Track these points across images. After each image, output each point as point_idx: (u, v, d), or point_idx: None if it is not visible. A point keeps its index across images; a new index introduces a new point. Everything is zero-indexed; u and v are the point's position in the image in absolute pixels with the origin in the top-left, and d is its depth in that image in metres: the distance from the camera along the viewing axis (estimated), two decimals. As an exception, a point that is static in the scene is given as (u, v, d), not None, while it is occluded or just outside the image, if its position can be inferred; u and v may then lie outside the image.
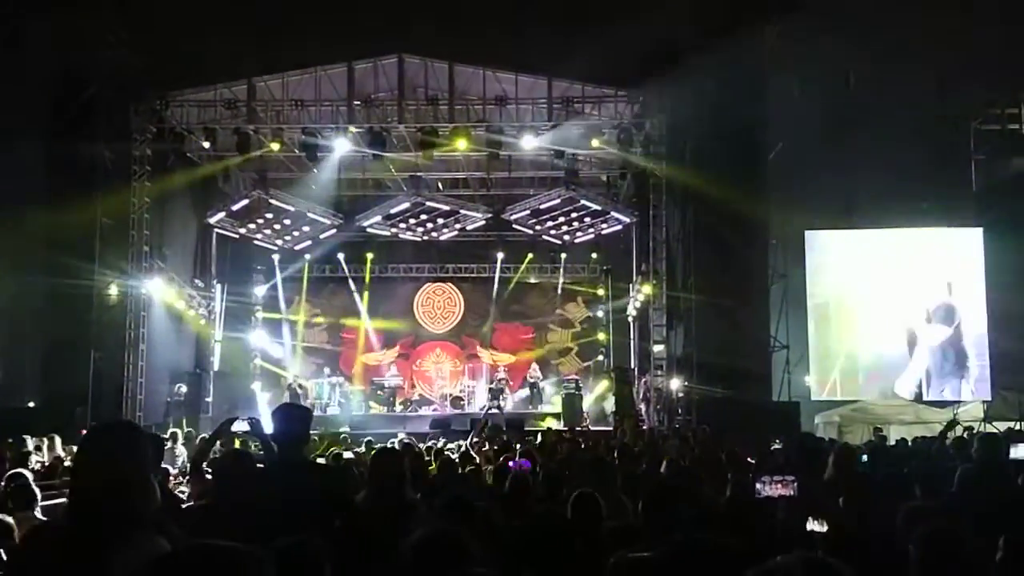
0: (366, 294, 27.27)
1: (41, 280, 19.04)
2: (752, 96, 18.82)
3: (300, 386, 24.38)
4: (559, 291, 27.47)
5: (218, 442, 6.43)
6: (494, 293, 27.26)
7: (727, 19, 18.70)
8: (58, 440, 12.29)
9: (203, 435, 11.94)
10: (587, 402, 23.20)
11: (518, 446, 11.27)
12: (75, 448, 11.89)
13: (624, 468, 8.53)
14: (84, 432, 13.05)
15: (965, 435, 14.68)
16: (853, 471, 6.18)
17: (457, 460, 9.23)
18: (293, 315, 27.63)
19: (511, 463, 8.39)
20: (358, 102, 20.22)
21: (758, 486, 4.67)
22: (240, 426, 6.20)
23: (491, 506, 6.25)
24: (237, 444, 8.86)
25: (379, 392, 24.63)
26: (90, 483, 2.86)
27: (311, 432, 5.14)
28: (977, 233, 18.80)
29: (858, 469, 7.03)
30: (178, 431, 15.61)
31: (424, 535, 3.05)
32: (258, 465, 5.42)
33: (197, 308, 22.94)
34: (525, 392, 25.35)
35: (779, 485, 4.62)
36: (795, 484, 4.66)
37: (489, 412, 21.86)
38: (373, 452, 6.14)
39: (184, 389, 21.26)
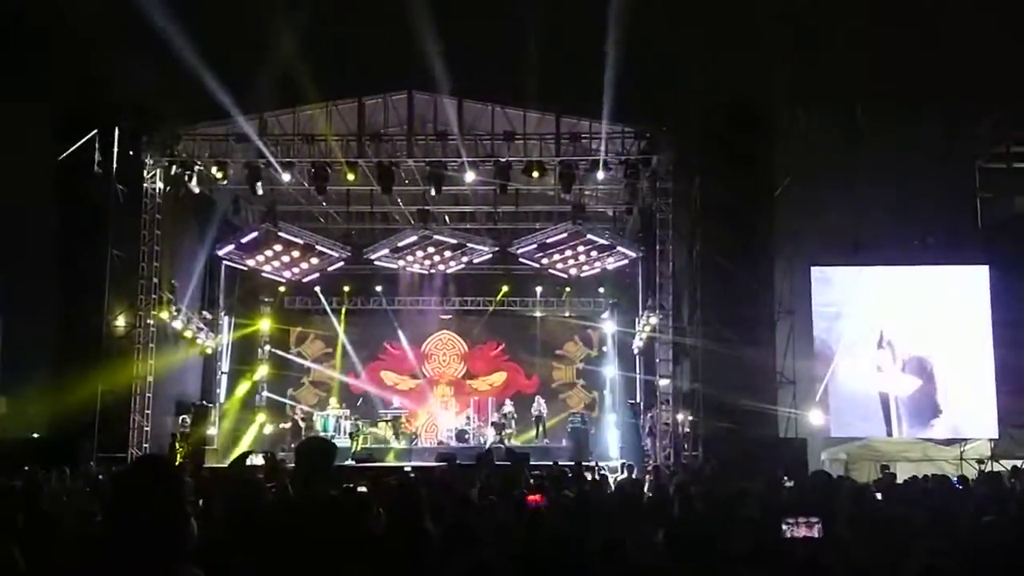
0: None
1: (50, 310, 19.16)
2: (759, 132, 19.00)
3: (305, 419, 24.36)
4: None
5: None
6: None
7: (736, 55, 18.96)
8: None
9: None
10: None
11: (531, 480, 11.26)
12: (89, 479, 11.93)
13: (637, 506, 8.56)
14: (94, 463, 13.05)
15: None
16: (870, 511, 6.16)
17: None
18: (299, 346, 27.68)
19: (529, 498, 8.38)
20: (368, 136, 20.38)
21: (783, 527, 4.61)
22: (256, 460, 6.20)
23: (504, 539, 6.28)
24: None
25: (387, 421, 24.58)
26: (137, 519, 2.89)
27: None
28: (983, 271, 18.82)
29: (872, 508, 7.00)
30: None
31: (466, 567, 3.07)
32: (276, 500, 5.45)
33: (204, 340, 23.00)
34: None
35: (804, 527, 4.55)
36: (819, 526, 4.59)
37: (494, 446, 21.80)
38: (394, 485, 6.16)
39: (190, 420, 21.23)
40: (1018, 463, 16.33)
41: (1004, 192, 20.12)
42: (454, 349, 27.96)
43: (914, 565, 3.50)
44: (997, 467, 16.55)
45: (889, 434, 18.96)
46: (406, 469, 14.40)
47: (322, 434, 22.88)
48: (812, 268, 19.16)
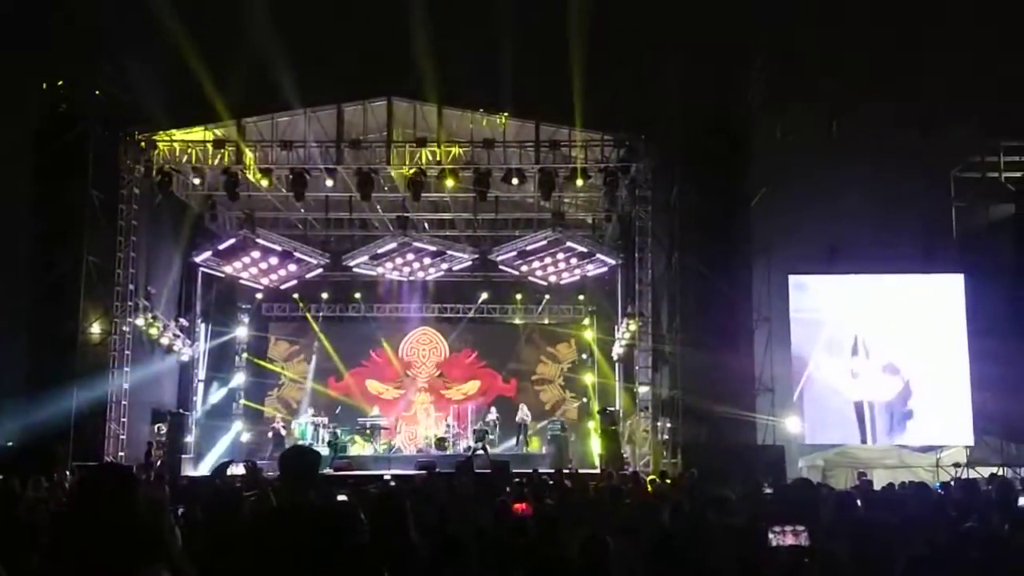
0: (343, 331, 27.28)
1: (24, 317, 18.95)
2: (737, 142, 19.13)
3: (284, 427, 24.24)
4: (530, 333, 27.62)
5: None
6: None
7: (713, 65, 19.08)
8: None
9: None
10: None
11: (508, 488, 11.24)
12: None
13: (619, 513, 8.55)
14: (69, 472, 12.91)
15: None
16: (853, 518, 6.18)
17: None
18: (276, 353, 27.53)
19: (515, 506, 8.37)
20: (347, 143, 20.32)
21: (770, 536, 4.60)
22: (236, 469, 6.16)
23: (487, 548, 6.26)
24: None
25: (365, 431, 24.47)
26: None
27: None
28: (958, 279, 19.00)
29: (855, 515, 7.03)
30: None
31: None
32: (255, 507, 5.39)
33: (181, 347, 22.80)
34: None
35: (790, 535, 4.55)
36: (805, 534, 4.58)
37: (475, 454, 21.76)
38: (376, 494, 6.13)
39: (165, 429, 21.02)
40: (994, 470, 16.48)
41: (979, 201, 20.33)
42: (432, 344, 27.83)
43: (898, 570, 3.50)
44: (973, 474, 16.69)
45: (864, 441, 19.06)
46: (386, 477, 14.31)
47: (300, 442, 22.79)
48: (789, 276, 19.26)
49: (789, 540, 4.54)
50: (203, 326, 24.69)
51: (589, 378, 26.84)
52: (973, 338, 18.54)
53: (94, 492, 2.99)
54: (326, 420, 24.50)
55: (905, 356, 18.94)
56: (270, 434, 23.90)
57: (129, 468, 3.66)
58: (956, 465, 18.12)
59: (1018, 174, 19.94)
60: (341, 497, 9.22)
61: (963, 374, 18.60)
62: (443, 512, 8.23)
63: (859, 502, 9.47)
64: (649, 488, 13.21)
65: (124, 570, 2.81)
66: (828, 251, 19.72)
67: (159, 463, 19.40)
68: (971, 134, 19.99)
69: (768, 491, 11.02)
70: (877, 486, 13.85)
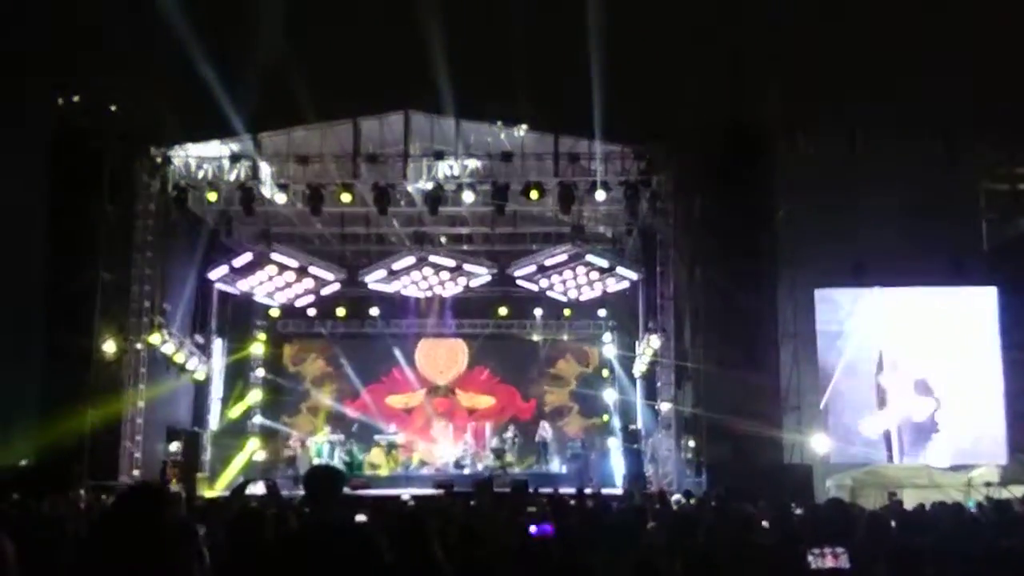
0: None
1: (39, 335, 18.83)
2: (760, 155, 18.82)
3: (303, 446, 24.00)
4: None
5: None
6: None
7: (735, 77, 18.81)
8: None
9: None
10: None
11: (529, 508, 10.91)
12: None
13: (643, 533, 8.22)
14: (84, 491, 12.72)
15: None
16: (888, 539, 5.85)
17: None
18: (297, 367, 27.36)
19: (535, 528, 8.04)
20: (363, 157, 20.13)
21: (809, 558, 4.38)
22: (256, 488, 5.94)
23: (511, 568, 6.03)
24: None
25: (380, 449, 24.21)
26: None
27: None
28: (991, 292, 18.60)
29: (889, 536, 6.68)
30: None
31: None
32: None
33: (196, 365, 22.62)
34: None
35: (830, 557, 4.34)
36: (846, 556, 4.36)
37: (493, 473, 21.43)
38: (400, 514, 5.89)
39: (180, 447, 20.79)
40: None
41: (1009, 213, 19.94)
42: (448, 346, 27.55)
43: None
44: (1006, 493, 16.20)
45: (891, 460, 18.62)
46: (404, 497, 14.01)
47: (316, 461, 22.54)
48: (815, 290, 18.92)
49: (829, 562, 4.39)
50: (218, 343, 24.54)
51: (610, 395, 26.46)
52: (1007, 352, 18.11)
53: (130, 513, 2.84)
54: (343, 438, 24.25)
55: (935, 372, 18.52)
56: (291, 454, 23.78)
57: (163, 488, 3.59)
58: (988, 484, 17.61)
59: (1049, 185, 19.57)
60: (360, 517, 8.94)
61: (996, 390, 18.14)
62: (465, 532, 7.91)
63: (892, 523, 9.10)
64: (674, 507, 12.85)
65: None
66: (855, 265, 19.33)
67: (174, 481, 19.17)
68: (998, 144, 19.62)
69: (798, 511, 10.64)
70: (908, 506, 13.44)
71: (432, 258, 22.52)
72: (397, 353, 27.02)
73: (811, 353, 18.78)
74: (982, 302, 18.61)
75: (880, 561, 5.26)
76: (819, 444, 18.69)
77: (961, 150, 19.43)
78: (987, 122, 19.26)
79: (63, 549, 7.15)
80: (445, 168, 20.06)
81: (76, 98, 19.10)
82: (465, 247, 24.60)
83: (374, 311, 26.53)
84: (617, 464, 23.36)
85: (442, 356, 27.55)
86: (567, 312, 26.40)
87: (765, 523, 9.19)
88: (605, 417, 26.49)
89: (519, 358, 27.39)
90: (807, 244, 19.06)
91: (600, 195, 20.05)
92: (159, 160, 20.11)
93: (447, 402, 27.29)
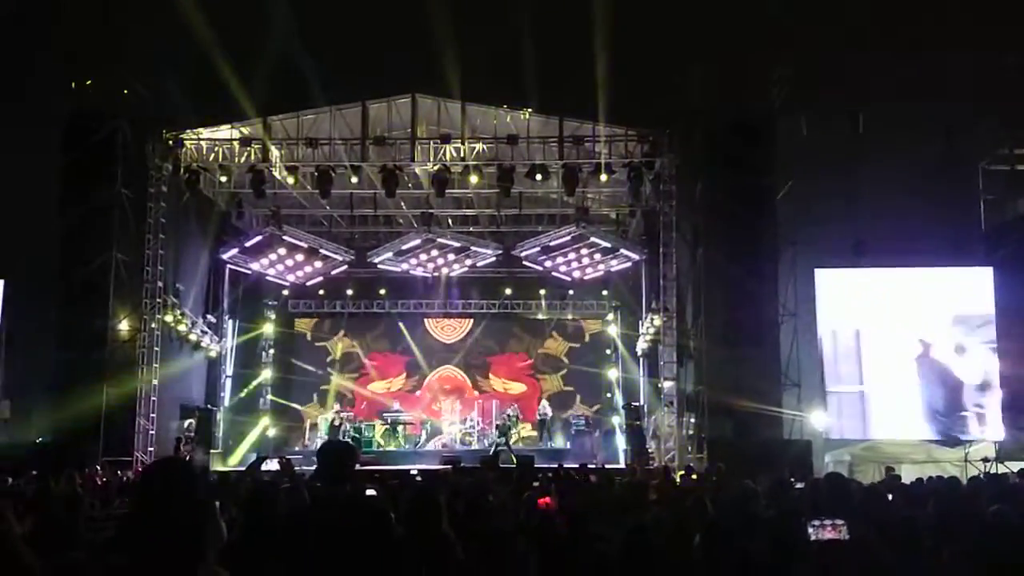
0: (376, 327, 27.50)
1: (55, 315, 19.19)
2: (761, 137, 19.04)
3: (313, 423, 24.39)
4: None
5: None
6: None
7: (737, 59, 19.01)
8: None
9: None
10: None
11: (534, 483, 11.26)
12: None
13: (645, 508, 8.56)
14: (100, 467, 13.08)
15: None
16: (884, 511, 6.15)
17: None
18: (320, 345, 27.75)
19: (539, 501, 8.41)
20: (371, 140, 20.41)
21: (809, 530, 4.59)
22: (271, 465, 6.21)
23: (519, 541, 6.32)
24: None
25: (387, 426, 24.60)
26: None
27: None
28: (987, 272, 18.81)
29: (887, 509, 7.00)
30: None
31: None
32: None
33: (209, 343, 23.02)
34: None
35: (829, 529, 4.54)
36: (845, 528, 4.57)
37: (498, 448, 21.83)
38: (409, 489, 6.18)
39: (194, 424, 21.24)
40: (1024, 464, 16.33)
41: (1007, 194, 20.13)
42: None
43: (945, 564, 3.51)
44: (1003, 469, 16.55)
45: (890, 436, 18.93)
46: (412, 472, 14.40)
47: (324, 437, 22.98)
48: (816, 270, 19.14)
49: (829, 534, 4.54)
50: (230, 322, 24.93)
51: (613, 373, 26.84)
52: (1002, 332, 18.35)
53: (160, 487, 3.03)
54: (351, 414, 24.68)
55: (934, 350, 18.77)
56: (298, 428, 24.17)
57: (189, 462, 3.69)
58: (985, 460, 17.97)
59: (1047, 167, 19.75)
60: (370, 491, 9.33)
61: (992, 368, 18.42)
62: (472, 506, 8.27)
63: (889, 496, 9.45)
64: (677, 482, 13.23)
65: (189, 567, 2.87)
66: (854, 245, 19.57)
67: (187, 458, 19.60)
68: (998, 126, 19.79)
69: (799, 486, 10.98)
70: (905, 481, 13.79)
71: (439, 239, 22.86)
72: (404, 331, 27.39)
73: (811, 331, 19.02)
74: (979, 282, 18.83)
75: (877, 533, 5.57)
76: (818, 420, 19.03)
77: (960, 131, 19.64)
78: (986, 104, 19.43)
79: (79, 525, 7.43)
80: (452, 151, 20.32)
81: (89, 82, 19.37)
82: (471, 228, 24.90)
83: (382, 291, 26.89)
84: (620, 441, 23.78)
85: (450, 391, 27.89)
86: (571, 292, 26.73)
87: (764, 498, 9.55)
88: (608, 395, 26.89)
89: (524, 342, 27.93)
90: (808, 224, 19.29)
91: (604, 177, 20.31)
92: (171, 143, 20.36)
93: (453, 378, 27.68)
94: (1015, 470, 14.94)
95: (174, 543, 2.86)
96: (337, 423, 23.91)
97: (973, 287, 18.84)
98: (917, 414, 18.67)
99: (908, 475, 15.03)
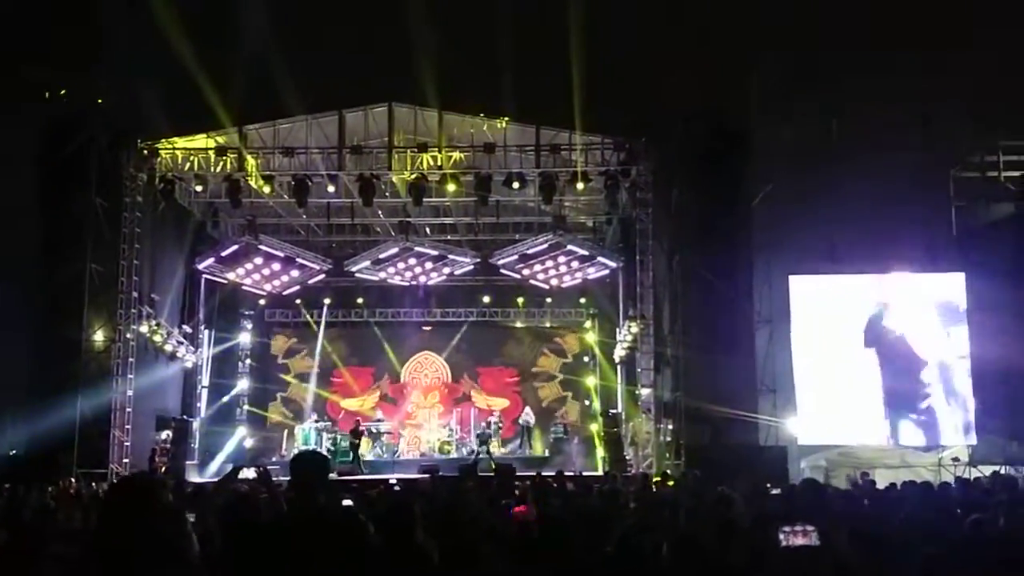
0: (347, 338, 27.44)
1: (28, 325, 19.02)
2: (737, 145, 19.18)
3: (290, 433, 24.26)
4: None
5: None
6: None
7: (713, 66, 19.16)
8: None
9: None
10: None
11: (513, 491, 11.29)
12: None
13: (622, 515, 8.59)
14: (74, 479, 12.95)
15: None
16: (858, 517, 6.21)
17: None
18: (277, 348, 27.62)
19: (515, 509, 8.41)
20: (348, 149, 20.39)
21: (780, 536, 4.61)
22: (247, 474, 6.19)
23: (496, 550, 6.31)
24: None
25: (367, 437, 24.49)
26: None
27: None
28: (959, 277, 19.03)
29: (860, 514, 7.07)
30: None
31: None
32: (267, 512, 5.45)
33: (184, 354, 22.87)
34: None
35: (800, 535, 4.55)
36: (816, 534, 4.59)
37: (478, 457, 21.81)
38: (385, 499, 6.18)
39: (170, 435, 21.08)
40: (997, 468, 16.51)
41: (979, 200, 20.36)
42: (433, 367, 27.89)
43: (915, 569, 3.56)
44: (975, 473, 16.72)
45: (867, 441, 19.10)
46: (391, 482, 14.37)
47: (303, 447, 22.83)
48: (790, 276, 19.28)
49: (800, 540, 4.55)
50: (206, 332, 24.78)
51: (591, 380, 26.91)
52: (974, 337, 18.56)
53: (125, 503, 3.02)
54: (330, 424, 24.58)
55: (907, 355, 18.95)
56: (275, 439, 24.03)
57: (157, 478, 3.71)
58: (955, 460, 18.17)
59: (1017, 173, 19.93)
60: (346, 502, 9.31)
61: (964, 373, 18.62)
62: (450, 515, 8.27)
63: (865, 501, 9.54)
64: (654, 489, 13.26)
65: None
66: (828, 251, 19.74)
67: (163, 469, 19.47)
68: (970, 133, 20.03)
69: (774, 492, 11.06)
70: (880, 486, 13.90)
71: (416, 248, 22.86)
72: (383, 341, 27.32)
73: (786, 337, 19.16)
74: (951, 287, 19.03)
75: (850, 538, 5.62)
76: (794, 426, 19.15)
77: (934, 137, 19.85)
78: (958, 112, 19.66)
79: (53, 538, 7.38)
80: (429, 159, 20.34)
81: (64, 92, 19.25)
82: (449, 237, 24.90)
83: (360, 300, 26.83)
84: (598, 448, 23.84)
85: (427, 376, 27.91)
86: (549, 300, 26.79)
87: (740, 504, 9.61)
88: (587, 402, 26.96)
89: (501, 350, 27.89)
90: (782, 232, 19.42)
91: (581, 185, 20.42)
92: (146, 153, 20.28)
93: (436, 385, 27.64)
94: (987, 474, 15.11)
95: (145, 557, 2.86)
96: (315, 433, 23.79)
97: (946, 293, 19.06)
98: (882, 415, 18.82)
99: (882, 480, 15.14)
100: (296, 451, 21.43)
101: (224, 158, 20.34)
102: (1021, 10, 19.93)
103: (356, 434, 22.60)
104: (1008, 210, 20.23)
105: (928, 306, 19.10)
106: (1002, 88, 19.45)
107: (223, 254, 22.55)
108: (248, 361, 26.90)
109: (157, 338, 21.22)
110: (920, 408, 18.80)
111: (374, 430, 24.57)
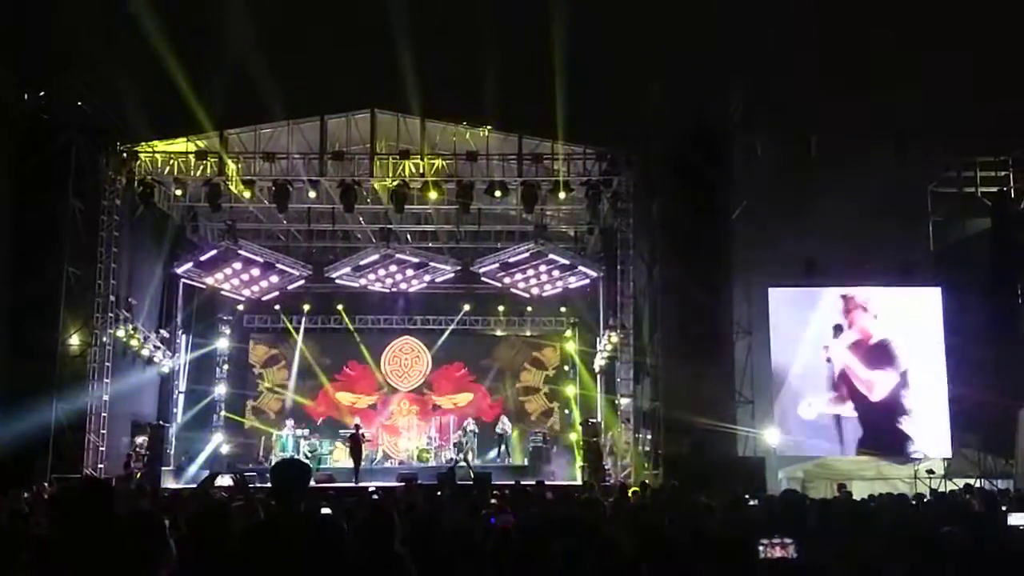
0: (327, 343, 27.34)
1: (4, 329, 18.79)
2: (717, 158, 19.28)
3: (267, 440, 24.11)
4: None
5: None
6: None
7: (694, 80, 19.29)
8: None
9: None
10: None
11: (493, 501, 11.26)
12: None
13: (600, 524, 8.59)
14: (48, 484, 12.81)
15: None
16: (835, 529, 6.24)
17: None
18: (255, 358, 27.48)
19: (492, 519, 8.40)
20: (330, 154, 20.35)
21: (759, 548, 4.62)
22: (224, 481, 6.15)
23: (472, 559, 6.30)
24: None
25: (346, 443, 24.37)
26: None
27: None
28: (935, 292, 19.22)
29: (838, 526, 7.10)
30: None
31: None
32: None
33: (161, 359, 22.70)
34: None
35: (778, 548, 4.57)
36: (793, 546, 4.60)
37: (456, 465, 21.78)
38: (364, 506, 6.15)
39: (146, 441, 20.86)
40: (971, 481, 16.66)
41: (956, 215, 20.59)
42: (414, 353, 27.84)
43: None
44: (950, 485, 16.87)
45: (842, 453, 19.23)
46: (370, 489, 14.32)
47: (281, 454, 22.71)
48: (769, 289, 19.41)
49: (778, 553, 4.56)
50: (184, 337, 24.60)
51: (571, 390, 26.93)
52: (950, 351, 18.74)
53: (71, 510, 2.99)
54: (307, 432, 24.44)
55: (883, 368, 19.11)
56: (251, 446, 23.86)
57: (105, 482, 3.66)
58: (929, 472, 18.32)
59: (994, 189, 20.21)
60: (324, 510, 9.26)
61: (940, 387, 18.79)
62: (427, 523, 8.24)
63: (841, 513, 9.57)
64: (631, 499, 13.27)
65: None
66: (806, 264, 19.87)
67: (138, 475, 19.31)
68: (947, 149, 20.26)
69: (752, 502, 11.08)
70: (856, 497, 13.98)
71: (398, 254, 22.84)
72: (362, 348, 27.24)
73: (764, 349, 19.26)
74: (928, 302, 19.22)
75: (827, 550, 5.64)
76: (771, 437, 19.24)
77: (911, 153, 20.05)
78: (935, 129, 19.89)
79: (26, 543, 7.30)
80: (411, 166, 20.33)
81: (42, 94, 19.08)
82: (430, 244, 24.88)
83: (340, 307, 26.73)
84: (577, 457, 23.81)
85: (408, 361, 27.81)
86: (529, 308, 26.81)
87: (718, 514, 9.62)
88: (566, 411, 26.98)
89: (482, 357, 27.81)
90: (761, 244, 19.53)
91: (562, 195, 20.48)
92: (125, 156, 20.16)
93: (413, 396, 27.57)
94: (960, 486, 15.24)
95: (105, 564, 2.84)
96: (293, 440, 23.64)
97: (922, 307, 19.24)
98: (858, 431, 19.00)
99: (859, 491, 15.24)
100: (275, 459, 21.33)
101: (204, 162, 20.23)
102: (998, 27, 20.20)
103: (356, 441, 22.34)
104: (984, 225, 20.48)
105: (904, 320, 19.30)
106: (979, 105, 19.69)
107: (202, 258, 22.44)
108: (225, 367, 26.72)
109: (134, 342, 21.06)
110: (895, 421, 18.96)
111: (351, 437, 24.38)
